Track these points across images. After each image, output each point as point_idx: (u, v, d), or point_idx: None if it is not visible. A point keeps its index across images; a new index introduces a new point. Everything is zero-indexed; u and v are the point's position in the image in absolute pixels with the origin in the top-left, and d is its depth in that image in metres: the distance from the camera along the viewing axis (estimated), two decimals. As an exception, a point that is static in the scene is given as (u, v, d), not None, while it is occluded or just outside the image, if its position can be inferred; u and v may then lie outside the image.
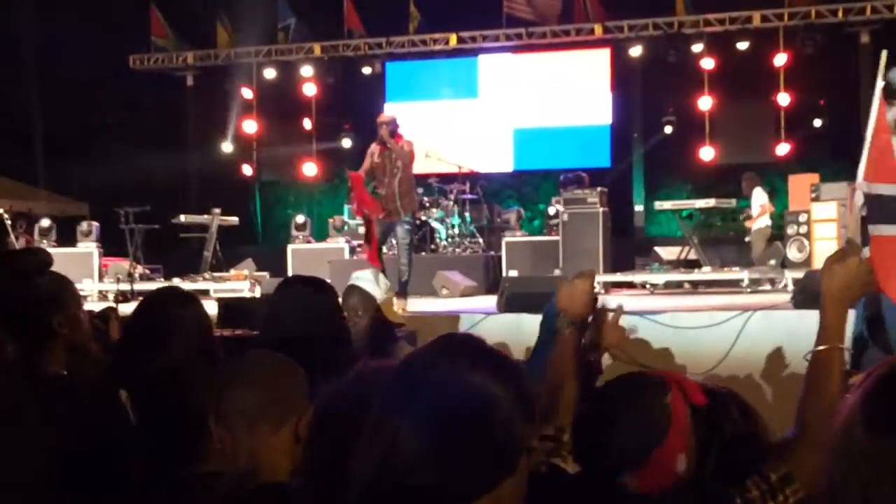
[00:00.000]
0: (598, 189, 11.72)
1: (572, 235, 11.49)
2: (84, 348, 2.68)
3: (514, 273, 11.82)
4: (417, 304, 9.44)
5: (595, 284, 2.68)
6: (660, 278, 11.12)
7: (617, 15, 15.28)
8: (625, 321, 2.89)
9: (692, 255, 11.96)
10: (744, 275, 10.55)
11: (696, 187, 15.77)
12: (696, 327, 6.81)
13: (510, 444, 1.34)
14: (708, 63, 15.19)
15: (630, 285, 11.20)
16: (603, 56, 15.85)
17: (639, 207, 16.43)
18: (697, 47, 15.07)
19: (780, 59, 14.86)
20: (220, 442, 1.92)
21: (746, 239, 12.40)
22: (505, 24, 15.61)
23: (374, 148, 9.19)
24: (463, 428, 1.30)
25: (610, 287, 11.06)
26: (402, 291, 8.89)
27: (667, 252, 12.83)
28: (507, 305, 7.69)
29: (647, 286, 10.96)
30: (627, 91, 16.19)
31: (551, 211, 13.16)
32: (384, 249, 9.66)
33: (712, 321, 6.83)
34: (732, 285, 10.60)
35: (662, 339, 6.80)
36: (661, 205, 13.02)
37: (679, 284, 11.27)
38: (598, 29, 15.30)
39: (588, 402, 2.06)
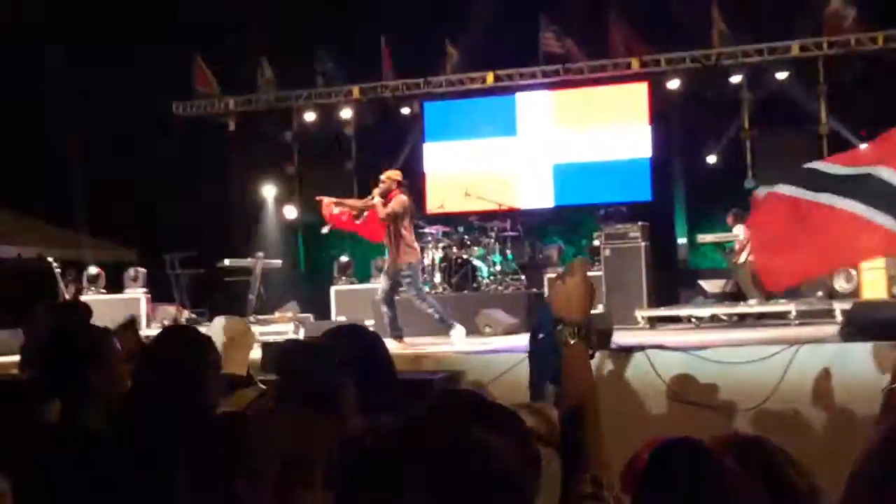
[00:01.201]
0: (640, 223, 11.67)
1: (614, 270, 11.44)
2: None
3: (557, 309, 11.76)
4: (460, 344, 9.45)
5: (588, 277, 2.20)
6: (705, 312, 11.02)
7: (653, 48, 15.29)
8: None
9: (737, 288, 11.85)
10: (791, 307, 10.42)
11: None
12: (742, 362, 6.73)
13: (513, 496, 1.34)
14: (747, 94, 15.12)
15: (675, 319, 11.10)
16: (640, 90, 15.84)
17: (682, 240, 16.32)
18: (736, 78, 15.02)
19: (821, 89, 14.75)
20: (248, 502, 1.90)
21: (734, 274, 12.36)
22: (542, 61, 15.68)
23: (379, 200, 9.83)
24: (465, 483, 1.30)
25: (655, 322, 10.98)
26: (444, 327, 9.82)
27: (711, 285, 12.72)
28: (550, 343, 7.64)
29: (692, 320, 10.86)
30: (667, 123, 16.14)
31: (595, 246, 13.12)
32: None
33: (759, 355, 6.74)
34: (780, 318, 10.47)
35: (708, 375, 6.73)
36: (703, 237, 12.93)
37: (725, 318, 11.15)
38: (634, 63, 15.31)
39: (657, 474, 1.72)
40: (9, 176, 17.15)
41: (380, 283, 10.25)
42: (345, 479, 1.73)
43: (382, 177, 9.97)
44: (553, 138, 16.26)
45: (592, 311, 2.23)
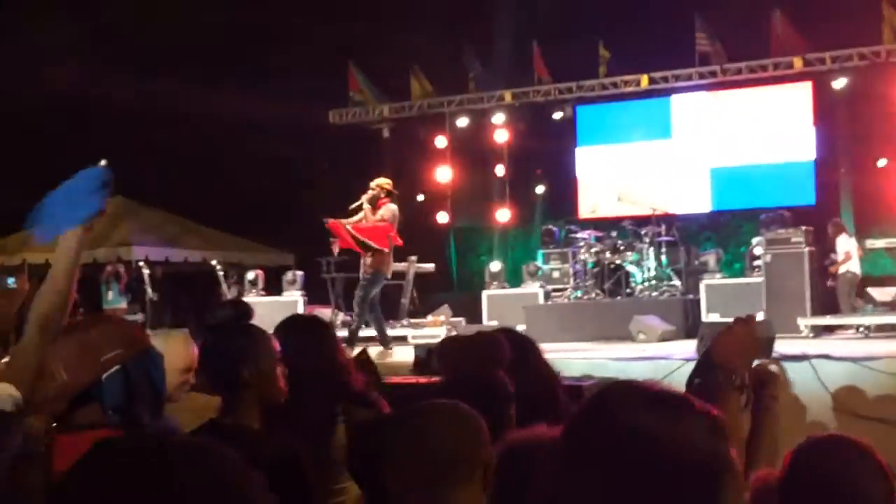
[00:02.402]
0: (803, 228, 11.24)
1: (776, 277, 11.04)
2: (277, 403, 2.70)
3: (714, 316, 11.44)
4: (615, 350, 9.30)
5: (757, 333, 2.19)
6: (874, 320, 10.50)
7: (818, 46, 14.65)
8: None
9: (910, 296, 11.25)
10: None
11: (912, 223, 14.78)
12: (916, 374, 6.36)
13: (709, 466, 1.22)
14: (921, 91, 14.29)
15: (841, 328, 10.62)
16: (804, 90, 15.22)
17: (848, 246, 15.56)
18: (908, 76, 14.21)
19: None
20: None
21: (829, 283, 11.80)
22: (698, 62, 15.26)
23: (367, 207, 10.09)
24: (642, 478, 1.19)
25: (819, 330, 10.52)
26: (350, 340, 9.52)
27: (881, 293, 12.10)
28: (708, 351, 7.42)
29: (860, 329, 10.37)
30: (832, 125, 15.43)
31: (755, 252, 12.68)
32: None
33: (934, 367, 6.36)
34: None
35: (879, 387, 6.39)
36: (873, 243, 12.37)
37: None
38: (797, 62, 14.70)
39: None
40: (175, 185, 17.99)
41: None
42: (509, 484, 1.68)
43: (372, 184, 10.17)
44: (710, 141, 15.82)
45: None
